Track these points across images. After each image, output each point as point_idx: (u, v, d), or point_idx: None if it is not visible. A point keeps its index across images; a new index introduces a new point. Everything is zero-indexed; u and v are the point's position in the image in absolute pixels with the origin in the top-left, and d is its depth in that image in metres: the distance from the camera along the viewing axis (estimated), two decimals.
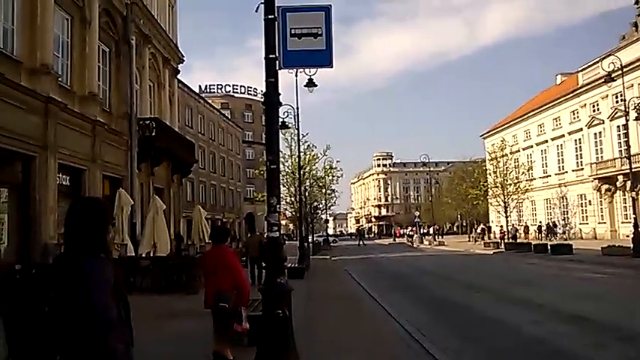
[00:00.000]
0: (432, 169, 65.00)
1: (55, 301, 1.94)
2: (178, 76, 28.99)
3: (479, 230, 51.16)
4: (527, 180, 41.79)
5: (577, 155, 43.38)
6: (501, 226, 43.84)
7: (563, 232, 42.70)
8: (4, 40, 13.18)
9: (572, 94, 42.66)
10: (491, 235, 46.54)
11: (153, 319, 9.15)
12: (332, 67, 5.64)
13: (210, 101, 56.01)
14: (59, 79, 15.15)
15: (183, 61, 28.10)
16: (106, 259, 2.16)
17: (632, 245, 21.14)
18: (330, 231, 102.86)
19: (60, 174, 15.13)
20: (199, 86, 64.12)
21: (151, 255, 15.64)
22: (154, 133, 21.01)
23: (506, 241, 36.91)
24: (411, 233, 63.61)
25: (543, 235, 43.14)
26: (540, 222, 46.87)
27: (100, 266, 2.08)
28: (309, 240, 34.57)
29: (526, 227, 46.22)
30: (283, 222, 60.33)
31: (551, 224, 44.12)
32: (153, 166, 22.16)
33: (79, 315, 1.94)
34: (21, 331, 1.94)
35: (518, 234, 42.25)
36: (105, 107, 18.54)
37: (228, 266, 5.99)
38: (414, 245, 49.84)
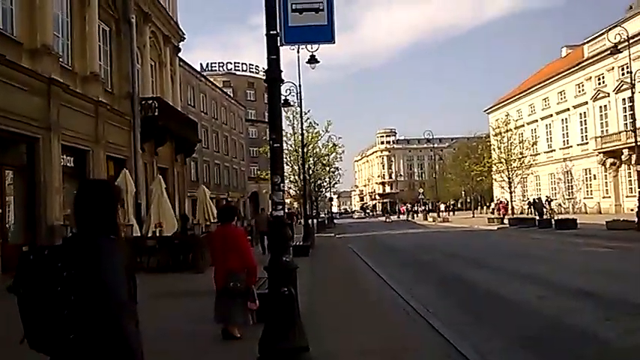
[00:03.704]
0: (436, 145, 64.74)
1: (67, 281, 1.96)
2: (179, 55, 28.78)
3: (492, 206, 50.91)
4: (531, 155, 41.58)
5: (582, 129, 43.08)
6: (500, 201, 43.58)
7: (551, 209, 41.51)
8: (4, 20, 13.09)
9: (577, 67, 42.21)
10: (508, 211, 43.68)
11: (160, 298, 9.24)
12: (334, 42, 5.55)
13: (212, 79, 55.65)
14: (60, 59, 15.07)
15: (184, 39, 27.87)
16: (117, 240, 2.17)
17: (636, 219, 21.11)
18: (335, 209, 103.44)
19: (64, 155, 15.18)
20: (201, 64, 63.66)
21: (157, 235, 15.74)
22: (156, 113, 20.97)
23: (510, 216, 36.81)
24: (403, 210, 70.86)
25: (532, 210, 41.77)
26: (527, 198, 46.29)
27: (111, 246, 2.11)
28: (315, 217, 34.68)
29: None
30: (288, 200, 60.87)
31: (536, 200, 43.06)
32: (156, 145, 22.16)
33: (92, 295, 1.96)
34: (35, 310, 1.97)
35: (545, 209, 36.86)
36: (107, 87, 18.48)
37: (238, 246, 6.05)
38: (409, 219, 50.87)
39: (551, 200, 40.01)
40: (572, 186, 44.16)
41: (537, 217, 31.09)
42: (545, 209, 33.53)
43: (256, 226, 21.15)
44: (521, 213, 42.26)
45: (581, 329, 6.62)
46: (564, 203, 43.49)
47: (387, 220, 57.82)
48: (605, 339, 6.13)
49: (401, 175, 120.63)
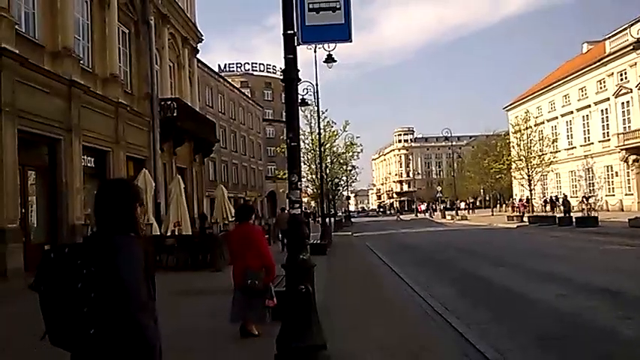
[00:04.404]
0: (454, 143, 64.03)
1: (87, 278, 2.00)
2: (198, 56, 29.01)
3: (516, 204, 50.38)
4: (551, 152, 40.96)
5: (603, 126, 42.29)
6: (521, 199, 42.85)
7: (589, 205, 40.72)
8: (26, 24, 13.33)
9: (598, 63, 41.42)
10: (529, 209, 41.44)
11: (179, 296, 9.34)
12: (351, 41, 5.55)
13: (229, 80, 55.97)
14: (81, 61, 15.30)
15: (202, 40, 28.08)
16: (136, 238, 2.21)
17: None
18: (352, 207, 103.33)
19: (85, 156, 15.42)
20: (218, 65, 64.09)
21: (176, 234, 15.90)
22: (175, 114, 21.17)
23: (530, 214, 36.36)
24: (424, 208, 72.51)
25: (549, 208, 41.53)
26: (544, 195, 45.85)
27: (130, 244, 2.13)
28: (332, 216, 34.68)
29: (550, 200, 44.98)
30: (305, 199, 61.03)
31: (553, 198, 42.51)
32: (175, 146, 22.38)
33: (111, 292, 1.99)
34: (56, 307, 2.01)
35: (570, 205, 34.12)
36: (126, 89, 18.71)
37: (255, 244, 6.09)
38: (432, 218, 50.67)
39: (590, 196, 39.21)
40: (593, 183, 43.41)
41: (563, 215, 30.39)
42: (571, 206, 32.72)
43: (277, 224, 21.58)
44: (542, 211, 41.75)
45: (601, 328, 6.53)
46: (561, 200, 42.50)
47: (398, 219, 57.47)
48: (626, 338, 6.04)
49: (418, 173, 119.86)
